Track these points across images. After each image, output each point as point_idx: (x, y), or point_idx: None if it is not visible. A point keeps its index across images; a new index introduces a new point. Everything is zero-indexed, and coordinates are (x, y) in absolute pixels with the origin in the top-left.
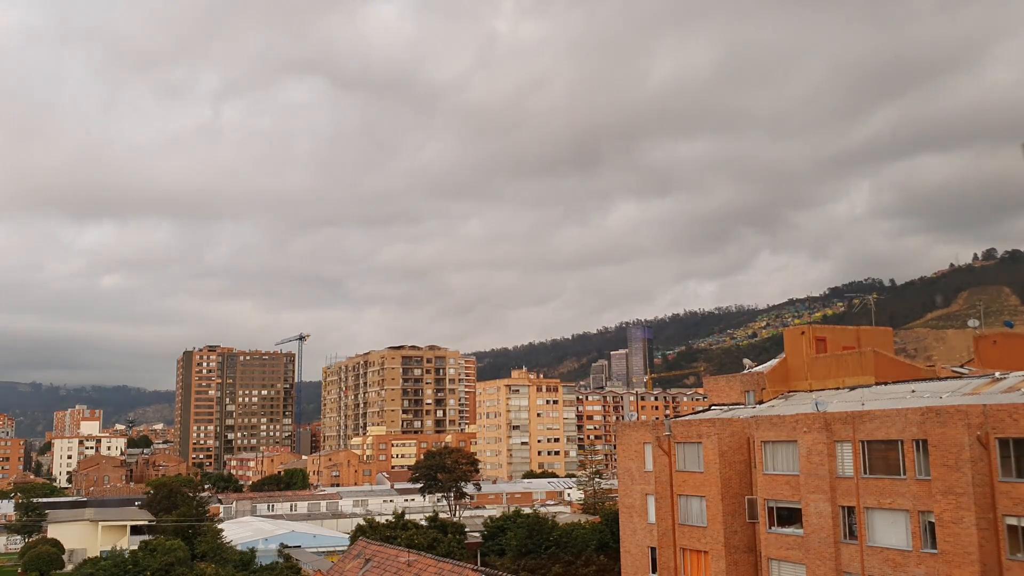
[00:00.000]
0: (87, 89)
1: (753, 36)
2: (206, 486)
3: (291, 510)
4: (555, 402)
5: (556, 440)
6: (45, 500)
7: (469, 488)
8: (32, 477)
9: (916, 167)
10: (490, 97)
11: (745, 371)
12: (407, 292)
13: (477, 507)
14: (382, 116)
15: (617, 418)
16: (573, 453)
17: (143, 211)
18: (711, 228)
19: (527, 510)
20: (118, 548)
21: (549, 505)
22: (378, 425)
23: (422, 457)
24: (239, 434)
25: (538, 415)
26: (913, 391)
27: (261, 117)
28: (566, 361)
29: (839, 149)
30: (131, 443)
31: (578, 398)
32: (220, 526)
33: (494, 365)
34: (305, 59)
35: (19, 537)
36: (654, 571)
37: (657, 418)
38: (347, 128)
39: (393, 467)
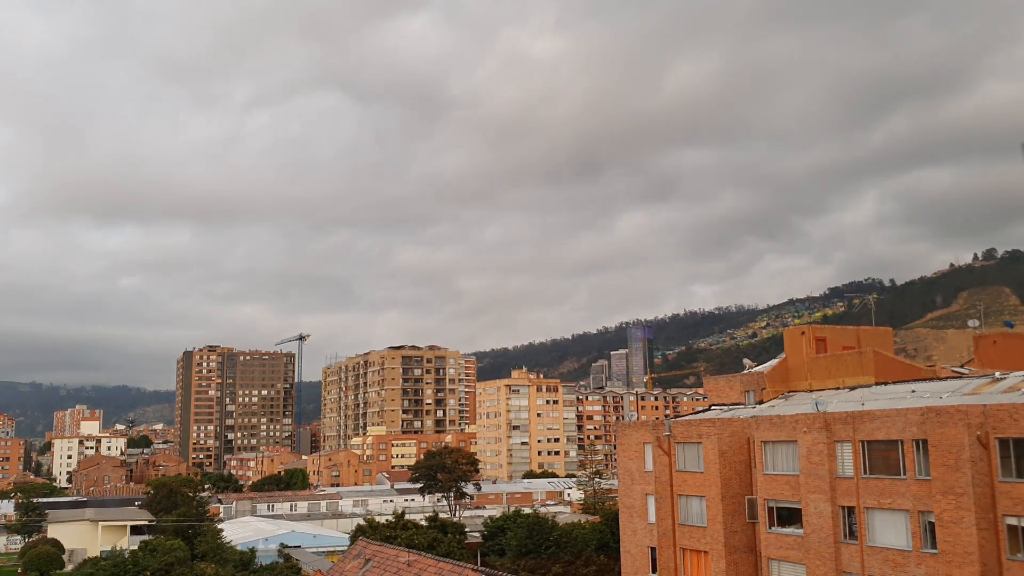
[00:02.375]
0: (126, 99)
1: (759, 52)
2: (206, 486)
3: (291, 510)
4: (555, 402)
5: (556, 440)
6: (45, 500)
7: (469, 488)
8: (32, 477)
9: (918, 178)
10: (505, 108)
11: (745, 371)
12: (420, 296)
13: (477, 507)
14: (400, 126)
15: (617, 418)
16: (573, 453)
17: (167, 216)
18: (717, 234)
19: (527, 510)
20: (118, 548)
21: (549, 505)
22: (378, 425)
23: (422, 457)
24: (239, 434)
25: (538, 415)
26: (913, 391)
27: (286, 127)
28: (566, 361)
29: (843, 160)
30: (131, 443)
31: (578, 398)
32: (220, 526)
33: (494, 365)
34: (330, 72)
35: (19, 537)
36: (654, 571)
37: (657, 418)
38: (366, 137)
39: (393, 467)
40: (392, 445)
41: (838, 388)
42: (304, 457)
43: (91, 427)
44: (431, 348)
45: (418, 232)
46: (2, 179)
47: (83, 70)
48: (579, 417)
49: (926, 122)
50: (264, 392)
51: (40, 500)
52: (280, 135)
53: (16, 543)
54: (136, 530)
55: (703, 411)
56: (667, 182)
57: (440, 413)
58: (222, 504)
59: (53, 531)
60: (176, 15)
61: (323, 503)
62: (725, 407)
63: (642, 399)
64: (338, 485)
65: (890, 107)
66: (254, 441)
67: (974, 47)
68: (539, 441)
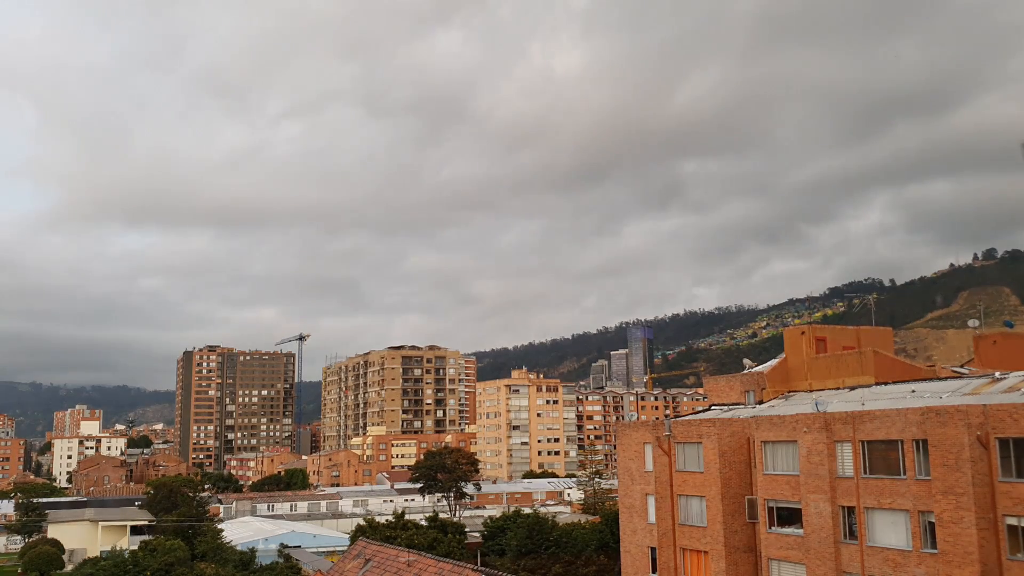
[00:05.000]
0: (166, 110)
1: (764, 69)
2: (206, 486)
3: (291, 510)
4: (555, 402)
5: (556, 440)
6: (45, 500)
7: (469, 488)
8: (32, 477)
9: (921, 189)
10: (521, 119)
11: (745, 371)
12: (433, 300)
13: (477, 507)
14: (418, 135)
15: (617, 418)
16: (573, 453)
17: (190, 222)
18: (723, 241)
19: (527, 510)
20: (118, 548)
21: (549, 505)
22: (378, 425)
23: (422, 457)
24: (239, 434)
25: (538, 415)
26: (913, 391)
27: (310, 137)
28: (566, 361)
29: (849, 171)
30: (131, 443)
31: (578, 398)
32: (220, 526)
33: (494, 365)
34: (355, 85)
35: (19, 537)
36: (654, 571)
37: (657, 418)
38: (384, 146)
39: (393, 467)
40: (392, 445)
41: (838, 388)
42: (304, 457)
43: (91, 427)
44: (431, 348)
45: (432, 238)
46: (42, 187)
47: (129, 82)
48: (579, 417)
49: (927, 135)
50: (264, 392)
51: (40, 500)
52: (304, 145)
53: (16, 543)
54: (136, 530)
55: (703, 411)
56: (675, 191)
57: (440, 413)
58: (222, 504)
59: (53, 531)
60: (218, 31)
61: (323, 503)
62: (725, 407)
63: (642, 399)
64: (338, 485)
65: (892, 121)
66: (254, 441)
67: (968, 63)
68: (539, 441)
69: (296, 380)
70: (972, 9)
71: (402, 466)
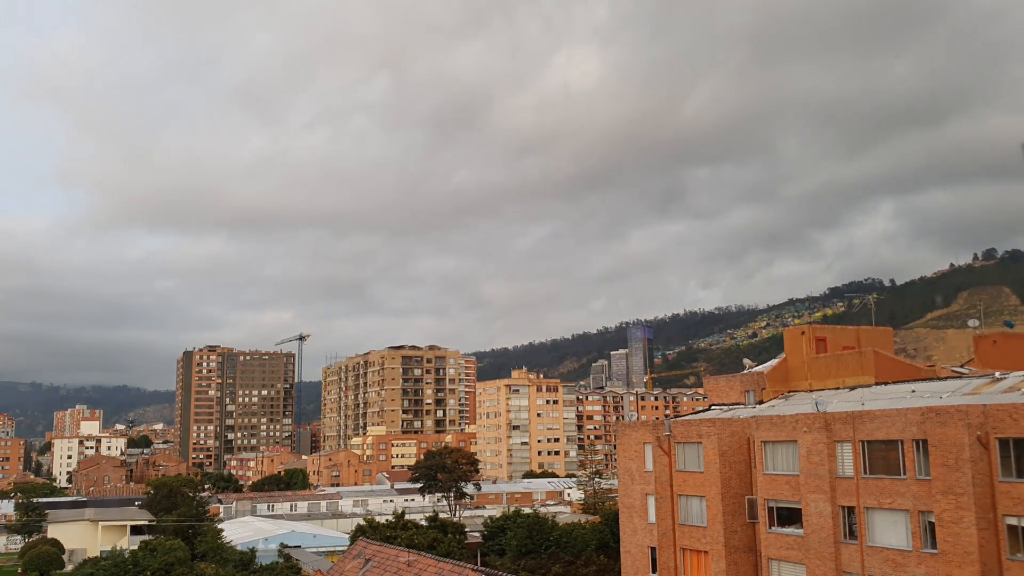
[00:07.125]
0: (195, 120)
1: (767, 84)
2: (206, 486)
3: (291, 510)
4: (555, 402)
5: (556, 440)
6: (45, 500)
7: (469, 488)
8: (32, 477)
9: (922, 197)
10: (536, 128)
11: (745, 371)
12: (441, 303)
13: (477, 507)
14: (433, 142)
15: (617, 418)
16: (573, 453)
17: (208, 227)
18: (729, 245)
19: (527, 510)
20: (118, 548)
21: (549, 505)
22: (378, 425)
23: (422, 457)
24: (239, 434)
25: (538, 415)
26: (913, 391)
27: (331, 143)
28: (566, 361)
29: (850, 180)
30: (131, 443)
31: (578, 398)
32: (220, 526)
33: (494, 365)
34: (372, 93)
35: (19, 537)
36: (654, 571)
37: (657, 418)
38: (396, 152)
39: (393, 467)
40: (392, 445)
41: (838, 388)
42: (304, 457)
43: (91, 427)
44: (431, 348)
45: (442, 242)
46: (69, 193)
47: (163, 93)
48: (579, 417)
49: (928, 145)
50: (264, 392)
51: (40, 500)
52: (321, 153)
53: (16, 543)
54: (136, 530)
55: (703, 411)
56: (680, 198)
57: (440, 413)
58: (222, 504)
59: (53, 531)
60: (252, 45)
61: (323, 503)
62: (725, 407)
63: (642, 399)
64: (338, 485)
65: (892, 132)
66: (254, 441)
67: (965, 76)
68: (539, 441)
69: (296, 380)
70: (967, 23)
71: (402, 466)
